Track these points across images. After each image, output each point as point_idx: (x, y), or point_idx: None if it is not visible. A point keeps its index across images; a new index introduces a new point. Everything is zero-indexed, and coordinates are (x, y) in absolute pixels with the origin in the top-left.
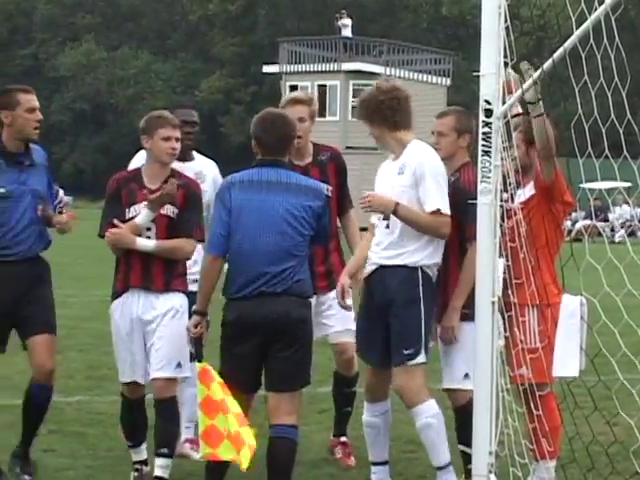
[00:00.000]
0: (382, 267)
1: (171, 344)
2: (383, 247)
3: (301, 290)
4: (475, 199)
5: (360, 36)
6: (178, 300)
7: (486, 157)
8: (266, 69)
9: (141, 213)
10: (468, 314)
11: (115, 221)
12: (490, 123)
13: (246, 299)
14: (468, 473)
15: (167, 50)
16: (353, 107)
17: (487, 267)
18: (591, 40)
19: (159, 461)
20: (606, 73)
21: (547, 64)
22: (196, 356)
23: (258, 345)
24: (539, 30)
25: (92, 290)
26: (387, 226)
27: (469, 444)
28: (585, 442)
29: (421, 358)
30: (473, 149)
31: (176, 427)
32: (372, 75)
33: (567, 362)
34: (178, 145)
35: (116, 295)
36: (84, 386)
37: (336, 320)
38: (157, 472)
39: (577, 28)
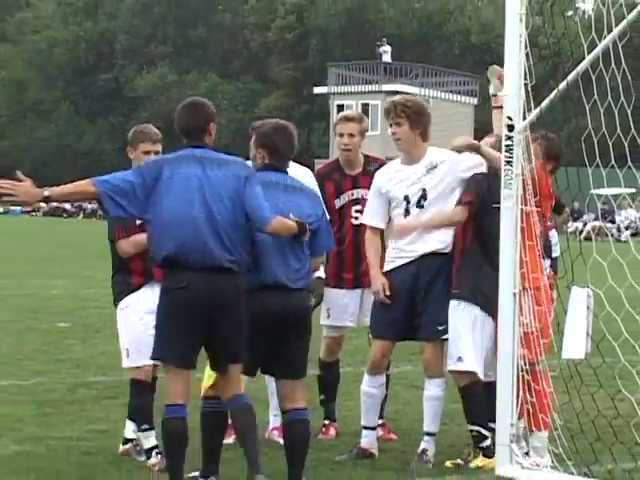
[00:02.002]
0: (422, 257)
1: None
2: (414, 239)
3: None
4: None
5: (398, 61)
6: None
7: (508, 166)
8: (316, 90)
9: None
10: (457, 294)
11: None
12: (512, 137)
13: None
14: (481, 451)
15: (231, 73)
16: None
17: (509, 262)
18: (600, 64)
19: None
20: (614, 93)
21: (562, 85)
22: None
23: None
24: (555, 56)
25: None
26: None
27: (481, 423)
28: (592, 416)
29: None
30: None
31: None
32: (409, 95)
33: (574, 346)
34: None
35: (133, 289)
36: None
37: None
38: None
39: (588, 54)
